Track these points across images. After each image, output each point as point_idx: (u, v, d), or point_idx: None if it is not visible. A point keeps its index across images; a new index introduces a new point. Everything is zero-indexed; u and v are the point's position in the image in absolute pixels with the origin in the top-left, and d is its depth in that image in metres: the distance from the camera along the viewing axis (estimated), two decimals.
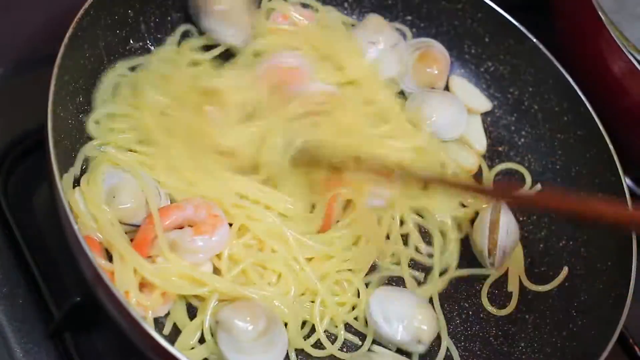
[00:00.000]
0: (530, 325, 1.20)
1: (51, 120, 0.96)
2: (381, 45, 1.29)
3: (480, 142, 1.36)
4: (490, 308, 1.21)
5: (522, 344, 1.18)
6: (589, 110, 1.28)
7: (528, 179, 1.33)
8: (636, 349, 1.30)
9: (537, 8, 1.43)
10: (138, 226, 1.04)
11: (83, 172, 1.06)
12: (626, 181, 1.24)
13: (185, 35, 1.23)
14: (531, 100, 1.36)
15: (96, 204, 1.01)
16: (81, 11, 1.06)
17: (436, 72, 1.33)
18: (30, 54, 1.27)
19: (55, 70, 1.00)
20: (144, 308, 0.99)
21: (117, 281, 0.98)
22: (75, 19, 1.05)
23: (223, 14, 1.19)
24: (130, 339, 0.94)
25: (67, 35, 1.03)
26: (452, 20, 1.38)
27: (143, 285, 1.00)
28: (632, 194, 1.30)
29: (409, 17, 1.40)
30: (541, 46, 1.33)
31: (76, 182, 1.04)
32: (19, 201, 1.16)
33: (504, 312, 1.21)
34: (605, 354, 1.07)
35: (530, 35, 1.33)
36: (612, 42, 1.23)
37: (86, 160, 1.07)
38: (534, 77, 1.35)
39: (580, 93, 1.29)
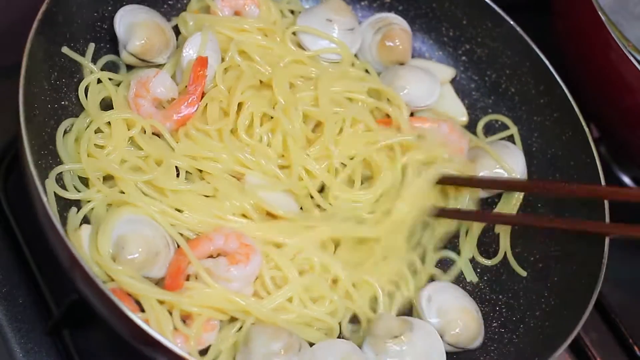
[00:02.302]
0: (503, 305, 1.22)
1: (23, 116, 0.97)
2: (338, 25, 1.29)
3: (461, 112, 1.37)
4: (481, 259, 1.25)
5: (495, 324, 1.20)
6: (565, 93, 1.29)
7: None
8: (636, 349, 1.32)
9: (537, 8, 1.42)
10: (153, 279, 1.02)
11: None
12: (626, 181, 1.23)
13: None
14: (508, 83, 1.37)
15: (108, 266, 0.97)
16: None
17: (400, 47, 1.32)
18: None
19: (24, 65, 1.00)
20: (188, 338, 0.99)
21: (155, 327, 0.95)
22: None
23: (146, 52, 1.16)
24: (122, 336, 0.95)
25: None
26: (430, 2, 1.39)
27: (185, 318, 1.01)
28: None
29: (387, 0, 1.40)
30: (518, 29, 1.33)
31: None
32: (19, 201, 1.17)
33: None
34: (577, 329, 1.08)
35: (507, 18, 1.33)
36: (612, 42, 1.22)
37: None
38: (511, 59, 1.35)
39: (556, 75, 1.30)
